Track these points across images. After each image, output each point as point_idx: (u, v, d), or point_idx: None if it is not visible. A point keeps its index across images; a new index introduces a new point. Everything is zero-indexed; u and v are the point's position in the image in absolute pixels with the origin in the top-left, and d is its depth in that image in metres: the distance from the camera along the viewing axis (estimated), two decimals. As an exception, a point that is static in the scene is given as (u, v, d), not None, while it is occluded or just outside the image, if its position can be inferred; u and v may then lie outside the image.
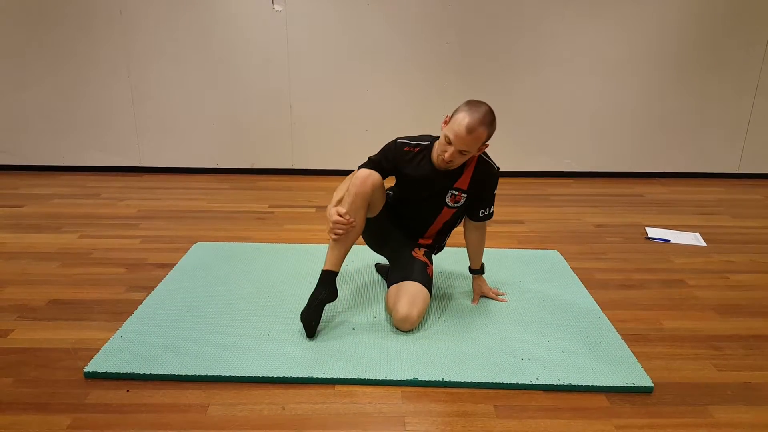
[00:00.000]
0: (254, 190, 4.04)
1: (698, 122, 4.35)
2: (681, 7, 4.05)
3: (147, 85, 4.20)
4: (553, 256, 2.91)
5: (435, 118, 4.28)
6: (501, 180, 4.38)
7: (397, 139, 2.26)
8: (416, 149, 2.22)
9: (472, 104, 2.03)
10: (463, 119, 1.99)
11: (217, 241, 3.04)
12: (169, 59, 4.14)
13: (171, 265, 2.73)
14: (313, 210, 3.62)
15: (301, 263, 2.75)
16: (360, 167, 2.22)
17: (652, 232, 3.30)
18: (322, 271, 2.16)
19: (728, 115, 4.33)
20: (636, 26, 4.09)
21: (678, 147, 4.43)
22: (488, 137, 2.05)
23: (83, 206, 3.63)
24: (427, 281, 2.25)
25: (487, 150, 2.20)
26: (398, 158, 2.22)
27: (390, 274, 2.34)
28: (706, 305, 2.46)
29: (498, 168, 2.25)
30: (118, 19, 4.03)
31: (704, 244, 3.15)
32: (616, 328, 2.21)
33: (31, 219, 3.38)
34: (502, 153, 4.42)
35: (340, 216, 2.09)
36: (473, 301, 2.41)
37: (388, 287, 2.28)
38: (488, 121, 2.01)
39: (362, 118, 4.30)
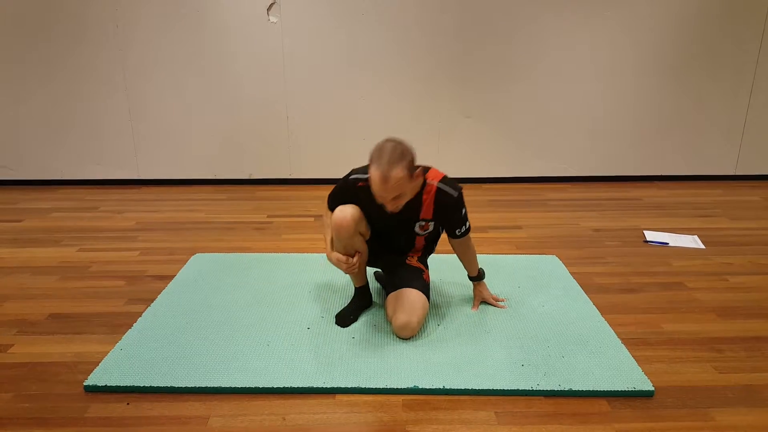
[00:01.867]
0: (252, 201, 4.05)
1: (695, 125, 4.37)
2: (675, 11, 4.07)
3: (144, 98, 4.22)
4: (552, 261, 2.91)
5: (431, 125, 4.30)
6: (499, 186, 4.44)
7: (350, 174, 2.17)
8: (365, 183, 2.12)
9: (374, 153, 1.93)
10: (374, 175, 1.90)
11: (216, 252, 3.05)
12: (165, 72, 4.15)
13: (170, 277, 2.73)
14: (312, 219, 3.62)
15: (301, 272, 2.75)
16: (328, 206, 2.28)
17: (651, 235, 3.31)
18: (355, 288, 2.38)
19: (724, 117, 4.34)
20: (631, 30, 4.11)
21: (675, 150, 4.44)
22: (410, 169, 1.93)
23: (82, 219, 3.63)
24: (425, 287, 2.26)
25: (436, 173, 2.14)
26: (354, 195, 2.17)
27: (387, 283, 2.35)
28: (705, 308, 2.46)
29: (458, 193, 2.14)
30: (114, 33, 4.05)
31: (703, 246, 3.15)
32: (616, 332, 2.21)
33: (30, 233, 3.38)
34: (500, 159, 4.44)
35: (343, 259, 2.16)
36: (473, 307, 2.40)
37: (386, 296, 2.28)
38: (396, 158, 1.89)
39: (359, 126, 4.31)
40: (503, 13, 4.06)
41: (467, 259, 2.35)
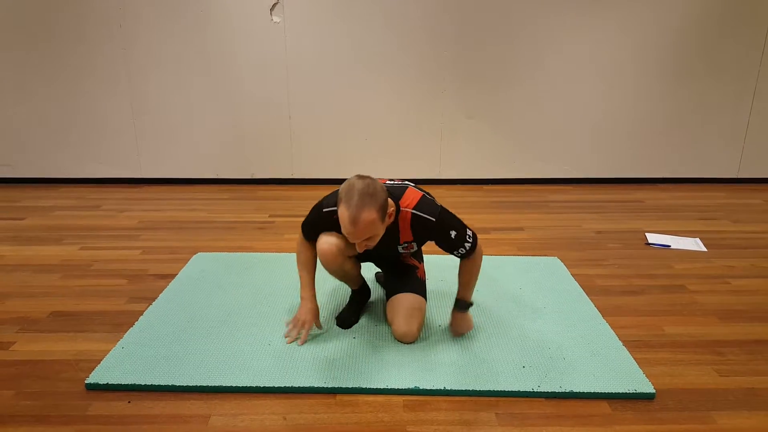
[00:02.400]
0: (254, 200, 4.05)
1: (697, 127, 4.36)
2: (678, 13, 4.07)
3: (146, 97, 4.22)
4: (554, 262, 2.91)
5: (433, 126, 4.30)
6: (501, 188, 4.44)
7: (321, 205, 2.06)
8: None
9: (343, 191, 1.82)
10: (343, 216, 1.79)
11: (218, 252, 3.05)
12: (168, 71, 4.16)
13: (172, 276, 2.74)
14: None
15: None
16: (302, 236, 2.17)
17: (653, 237, 3.30)
18: (352, 290, 2.36)
19: (727, 119, 4.34)
20: (634, 32, 4.11)
21: (677, 152, 4.44)
22: (381, 209, 1.82)
23: (84, 218, 3.64)
24: (420, 286, 2.25)
25: (412, 197, 2.00)
26: (327, 225, 2.06)
27: (384, 284, 2.34)
28: (707, 310, 2.45)
29: (439, 216, 1.98)
30: (117, 32, 4.05)
31: (705, 249, 3.15)
32: (617, 335, 2.21)
33: (32, 231, 3.38)
34: (502, 160, 4.44)
35: (299, 326, 2.14)
36: (454, 334, 2.22)
37: (386, 297, 2.28)
38: (367, 200, 1.78)
39: (361, 127, 4.31)
40: (506, 15, 4.06)
41: (467, 279, 2.12)
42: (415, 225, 2.00)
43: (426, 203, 2.00)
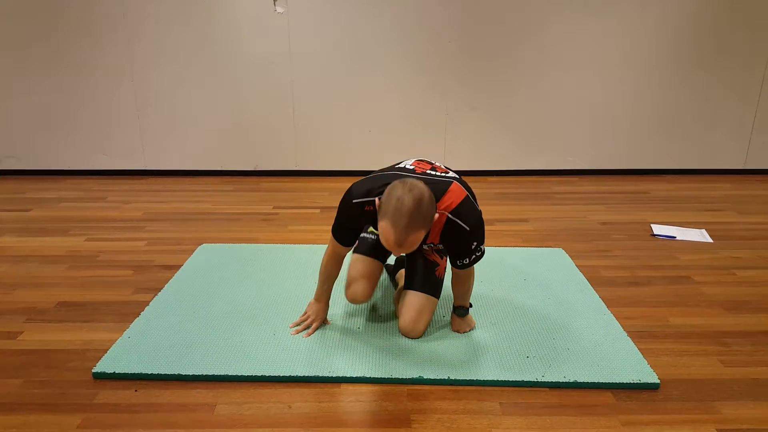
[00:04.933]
0: (258, 192, 4.06)
1: (704, 118, 4.34)
2: (685, 2, 4.04)
3: (150, 89, 4.23)
4: (558, 254, 2.90)
5: (437, 118, 4.29)
6: (506, 179, 4.43)
7: (352, 199, 1.93)
8: (370, 207, 1.91)
9: (390, 206, 1.69)
10: (389, 234, 1.69)
11: (223, 243, 3.06)
12: (172, 62, 4.16)
13: (177, 267, 2.75)
14: (318, 211, 3.63)
15: (306, 263, 2.76)
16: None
17: (658, 229, 3.30)
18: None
19: (734, 110, 4.31)
20: (640, 22, 4.08)
21: (683, 143, 4.42)
22: (428, 224, 1.72)
23: (90, 209, 3.65)
24: (436, 286, 2.17)
25: (456, 195, 1.89)
26: (361, 220, 1.98)
27: (405, 270, 2.25)
28: (712, 301, 2.45)
29: (474, 224, 1.90)
30: (121, 23, 4.05)
31: (710, 240, 3.14)
32: (622, 325, 2.21)
33: (38, 223, 3.40)
34: (507, 151, 4.43)
35: (307, 323, 2.18)
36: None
37: (396, 287, 2.28)
38: (417, 223, 1.67)
39: (365, 118, 4.31)
40: (511, 5, 4.03)
41: (463, 291, 2.12)
42: (447, 230, 1.91)
43: (466, 207, 1.89)
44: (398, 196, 1.68)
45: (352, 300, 2.18)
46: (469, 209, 1.90)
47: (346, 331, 2.16)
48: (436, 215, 1.80)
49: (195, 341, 2.08)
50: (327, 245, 2.12)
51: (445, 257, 2.23)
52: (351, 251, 2.29)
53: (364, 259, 2.23)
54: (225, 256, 2.85)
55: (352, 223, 2.01)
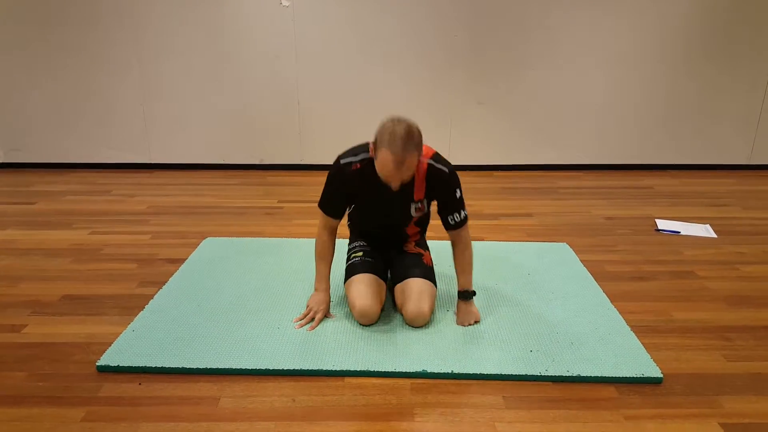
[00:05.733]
0: (263, 186, 4.06)
1: (709, 113, 4.32)
2: (690, -3, 4.02)
3: (156, 83, 4.23)
4: (563, 248, 2.90)
5: (444, 112, 4.28)
6: (511, 174, 4.42)
7: (339, 159, 2.11)
8: (359, 165, 2.07)
9: (384, 136, 1.87)
10: (387, 159, 1.85)
11: (227, 237, 3.06)
12: (177, 56, 4.16)
13: (181, 260, 2.75)
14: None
15: (310, 257, 2.74)
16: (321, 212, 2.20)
17: (662, 224, 3.29)
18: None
19: (739, 105, 4.29)
20: (645, 18, 4.06)
21: (688, 138, 4.40)
22: (419, 149, 1.91)
23: (95, 203, 3.66)
24: (429, 272, 2.24)
25: (427, 150, 2.06)
26: (348, 182, 2.09)
27: (390, 273, 2.33)
28: (716, 296, 2.44)
29: (451, 169, 2.08)
30: (127, 17, 4.05)
31: (714, 235, 3.13)
32: (625, 320, 2.21)
33: (43, 216, 3.41)
34: (512, 146, 4.42)
35: (311, 316, 2.19)
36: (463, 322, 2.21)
37: (393, 285, 2.27)
38: (411, 144, 1.85)
39: (370, 112, 4.29)
40: (516, 1, 4.02)
41: (464, 261, 2.18)
42: (429, 177, 2.07)
43: (439, 156, 2.10)
44: (390, 127, 1.88)
45: (361, 316, 2.12)
46: (441, 157, 2.11)
47: (349, 326, 2.16)
48: (418, 161, 1.96)
49: (199, 335, 2.09)
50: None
51: (427, 251, 2.33)
52: (351, 255, 2.34)
53: (362, 277, 2.19)
54: (229, 249, 2.86)
55: (341, 187, 2.13)
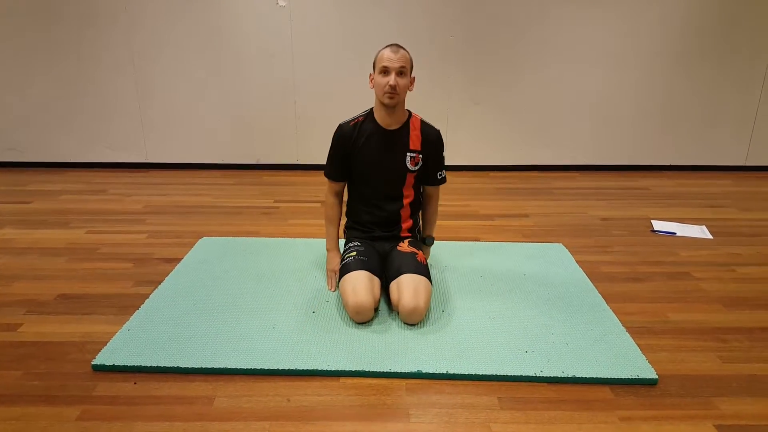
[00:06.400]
0: (259, 186, 4.06)
1: (705, 114, 4.33)
2: (687, -1, 4.03)
3: (152, 82, 4.22)
4: (559, 249, 2.90)
5: (439, 111, 4.29)
6: (506, 174, 4.43)
7: (341, 123, 2.40)
8: (360, 119, 2.38)
9: (382, 47, 2.24)
10: (386, 49, 2.20)
11: (223, 236, 3.06)
12: (173, 55, 4.15)
13: (177, 260, 2.75)
14: (318, 205, 3.63)
15: (306, 257, 2.76)
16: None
17: (658, 225, 3.30)
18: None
19: (735, 107, 4.30)
20: (641, 18, 4.07)
21: (684, 139, 4.41)
22: (411, 59, 2.24)
23: (90, 202, 3.65)
24: (423, 269, 2.26)
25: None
26: (347, 137, 2.36)
27: (386, 273, 2.33)
28: (712, 298, 2.45)
29: (437, 129, 2.41)
30: (122, 16, 4.05)
31: (710, 236, 3.14)
32: (621, 321, 2.21)
33: (39, 215, 3.40)
34: (508, 146, 4.42)
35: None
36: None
37: (388, 283, 2.28)
38: (403, 47, 2.22)
39: (367, 112, 4.30)
40: (512, 1, 4.02)
41: (434, 213, 2.53)
42: (423, 128, 2.37)
43: (426, 121, 2.42)
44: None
45: (356, 313, 2.13)
46: (427, 122, 2.42)
47: (344, 326, 2.16)
48: (413, 115, 2.38)
49: (194, 334, 2.09)
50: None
51: (421, 251, 2.39)
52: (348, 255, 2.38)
53: (354, 274, 2.21)
54: (225, 249, 2.86)
55: (341, 144, 2.38)
